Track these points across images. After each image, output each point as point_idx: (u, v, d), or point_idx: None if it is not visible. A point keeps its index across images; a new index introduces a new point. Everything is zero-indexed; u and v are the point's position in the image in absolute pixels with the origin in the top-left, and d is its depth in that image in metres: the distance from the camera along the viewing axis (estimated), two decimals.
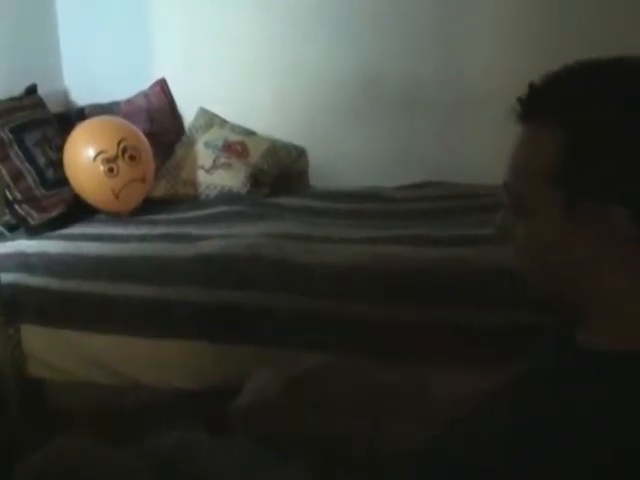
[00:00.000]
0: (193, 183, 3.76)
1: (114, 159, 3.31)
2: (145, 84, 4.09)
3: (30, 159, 3.31)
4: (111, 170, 3.30)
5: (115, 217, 3.41)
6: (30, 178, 3.27)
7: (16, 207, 3.19)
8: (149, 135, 3.63)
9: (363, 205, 3.51)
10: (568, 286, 1.06)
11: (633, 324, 1.02)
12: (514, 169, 1.08)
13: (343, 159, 4.00)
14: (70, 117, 3.77)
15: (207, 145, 3.86)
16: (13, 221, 3.25)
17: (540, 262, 1.09)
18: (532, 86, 1.05)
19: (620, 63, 1.02)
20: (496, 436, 1.02)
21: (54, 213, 3.28)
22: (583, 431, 0.91)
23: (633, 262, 1.00)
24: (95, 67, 4.16)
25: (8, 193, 3.18)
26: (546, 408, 0.99)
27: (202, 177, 3.77)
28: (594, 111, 0.98)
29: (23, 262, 2.91)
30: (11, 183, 3.20)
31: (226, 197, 3.65)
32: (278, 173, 3.90)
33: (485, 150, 3.70)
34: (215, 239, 2.93)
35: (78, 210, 3.39)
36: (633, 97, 0.98)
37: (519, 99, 1.06)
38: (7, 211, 3.18)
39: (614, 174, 0.97)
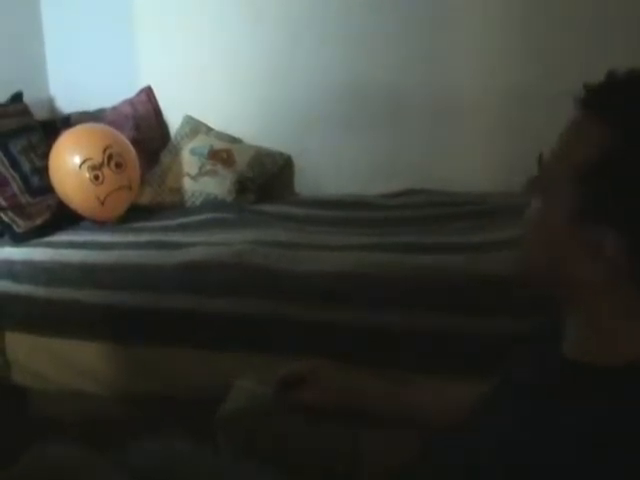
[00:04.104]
0: (179, 190, 3.76)
1: (100, 166, 3.30)
2: (131, 92, 4.09)
3: (15, 166, 3.30)
4: (97, 177, 3.29)
5: (100, 224, 3.40)
6: (15, 185, 3.27)
7: (1, 214, 3.18)
8: (135, 142, 3.63)
9: (349, 213, 3.52)
10: (557, 285, 1.07)
11: (609, 340, 1.02)
12: (556, 145, 1.04)
13: (329, 167, 4.01)
14: (56, 124, 3.76)
15: (193, 152, 3.86)
16: None
17: (538, 244, 1.08)
18: (607, 77, 1.00)
19: None
20: (483, 452, 1.02)
21: (39, 220, 3.28)
22: (569, 450, 0.91)
23: (618, 293, 0.99)
24: (81, 75, 4.16)
25: None
26: (531, 423, 0.99)
27: (188, 184, 3.77)
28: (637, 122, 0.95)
29: (8, 269, 2.91)
30: None
31: (212, 204, 3.65)
32: (264, 180, 3.90)
33: (469, 159, 3.72)
34: (201, 246, 2.93)
35: (63, 217, 3.38)
36: None
37: (585, 85, 1.01)
38: None
39: (622, 200, 0.94)
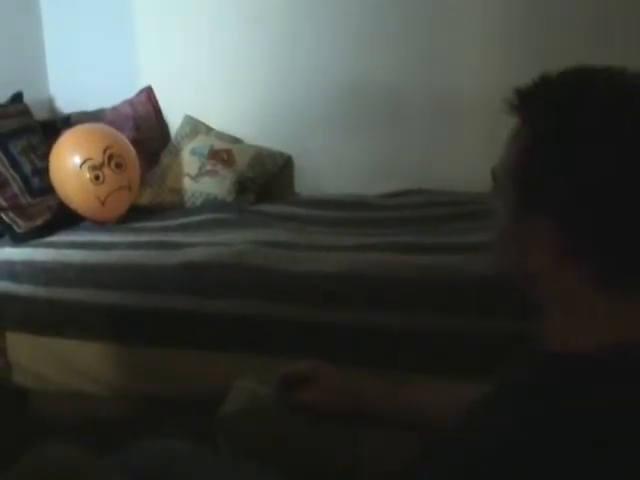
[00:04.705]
0: (179, 191, 3.77)
1: (100, 167, 3.31)
2: (131, 92, 4.09)
3: (15, 167, 3.30)
4: (97, 178, 3.29)
5: (101, 225, 3.40)
6: (16, 186, 3.27)
7: (2, 215, 3.19)
8: (135, 143, 3.63)
9: (349, 213, 3.52)
10: (525, 283, 1.11)
11: (576, 335, 1.05)
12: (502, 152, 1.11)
13: (329, 167, 4.01)
14: (56, 125, 3.76)
15: (193, 153, 3.87)
16: None
17: (500, 246, 1.14)
18: (537, 79, 1.06)
19: (612, 82, 1.02)
20: (484, 452, 1.02)
21: (40, 221, 3.28)
22: (569, 450, 0.91)
23: (572, 276, 1.02)
24: (81, 75, 4.16)
25: None
26: (531, 423, 0.99)
27: (188, 185, 3.77)
28: (554, 122, 1.02)
29: (8, 270, 2.91)
30: None
31: (212, 205, 3.65)
32: (264, 181, 3.91)
33: (469, 159, 3.72)
34: (201, 247, 2.93)
35: (64, 218, 3.38)
36: (598, 122, 0.98)
37: (515, 89, 1.07)
38: None
39: (549, 188, 1.01)
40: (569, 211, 0.99)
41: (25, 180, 3.31)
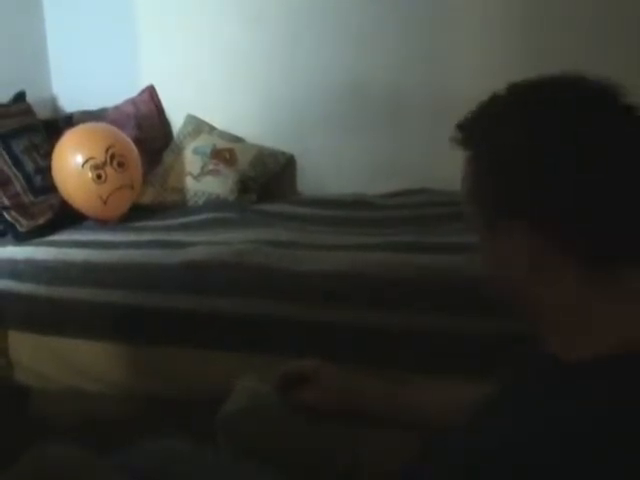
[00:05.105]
0: (181, 190, 3.77)
1: (102, 166, 3.31)
2: (133, 91, 4.10)
3: (18, 166, 3.31)
4: (99, 177, 3.30)
5: (103, 224, 3.41)
6: (18, 185, 3.28)
7: (4, 214, 3.20)
8: (137, 142, 3.63)
9: (350, 212, 3.52)
10: (514, 298, 1.12)
11: (574, 335, 1.05)
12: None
13: (330, 167, 4.01)
14: (58, 124, 3.77)
15: (195, 152, 3.87)
16: (1, 227, 3.26)
17: (487, 271, 1.16)
18: (471, 111, 1.12)
19: (540, 95, 1.07)
20: (484, 453, 1.03)
21: (42, 220, 3.28)
22: (569, 450, 0.92)
23: (558, 274, 1.03)
24: (83, 75, 4.17)
25: None
26: (531, 424, 1.00)
27: (190, 184, 3.77)
28: (492, 138, 1.07)
29: (11, 269, 2.91)
30: None
31: (214, 204, 3.66)
32: (266, 180, 3.91)
33: None
34: (202, 246, 2.93)
35: (66, 217, 3.39)
36: (595, 125, 1.01)
37: (457, 124, 1.12)
38: None
39: (504, 192, 1.04)
40: (565, 211, 1.00)
41: (27, 179, 3.32)
